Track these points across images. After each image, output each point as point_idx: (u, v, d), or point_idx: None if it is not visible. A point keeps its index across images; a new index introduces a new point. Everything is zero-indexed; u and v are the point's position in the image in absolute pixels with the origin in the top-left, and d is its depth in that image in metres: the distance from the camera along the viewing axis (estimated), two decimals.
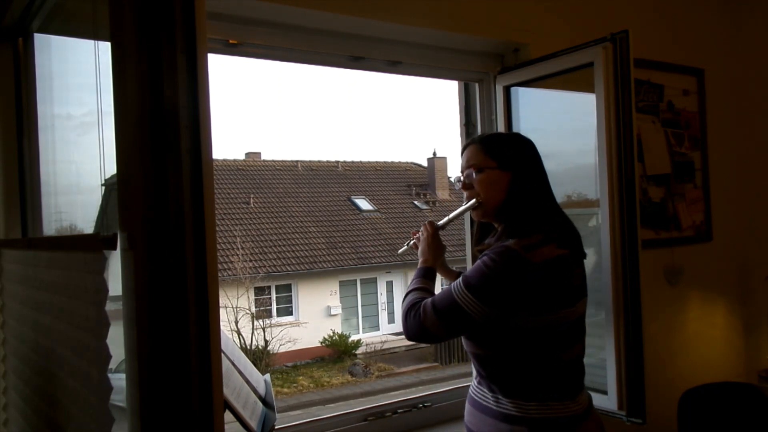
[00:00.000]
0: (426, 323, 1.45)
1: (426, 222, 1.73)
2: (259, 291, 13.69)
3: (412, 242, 1.80)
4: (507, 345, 1.47)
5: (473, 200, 1.57)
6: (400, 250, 1.96)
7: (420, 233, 1.73)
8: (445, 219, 1.75)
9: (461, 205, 1.65)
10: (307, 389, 12.26)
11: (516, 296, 1.42)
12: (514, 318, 1.43)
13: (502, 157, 1.54)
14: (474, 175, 1.56)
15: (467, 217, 2.11)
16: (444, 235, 1.76)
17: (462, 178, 1.60)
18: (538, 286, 1.42)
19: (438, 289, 1.59)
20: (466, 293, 1.42)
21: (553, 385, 1.48)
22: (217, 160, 15.62)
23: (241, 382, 1.42)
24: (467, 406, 1.62)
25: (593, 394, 1.99)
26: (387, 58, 2.22)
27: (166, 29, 0.86)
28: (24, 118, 1.64)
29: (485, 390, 1.54)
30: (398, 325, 15.01)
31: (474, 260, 1.64)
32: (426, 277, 1.62)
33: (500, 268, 1.40)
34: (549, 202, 1.58)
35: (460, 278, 1.46)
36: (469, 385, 2.38)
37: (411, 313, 1.49)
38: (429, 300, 1.49)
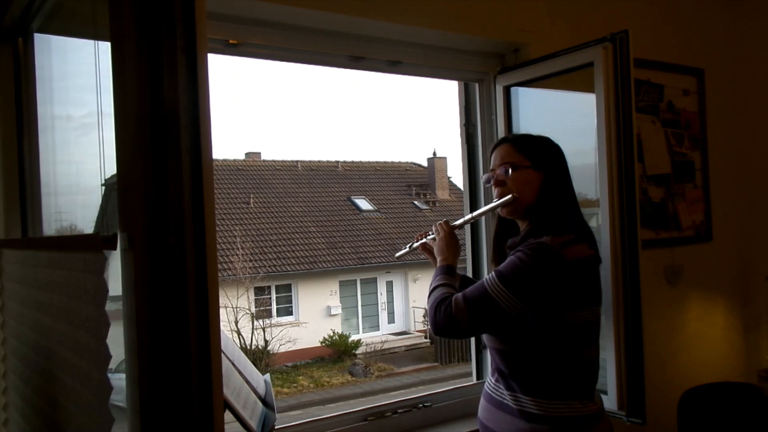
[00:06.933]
0: (457, 316, 1.44)
1: (441, 222, 1.72)
2: (259, 291, 13.69)
3: (417, 244, 1.78)
4: (534, 341, 1.48)
5: (509, 196, 1.57)
6: (399, 253, 1.90)
7: (434, 232, 1.72)
8: (468, 217, 1.74)
9: (481, 206, 1.63)
10: (307, 389, 12.27)
11: (549, 292, 1.43)
12: (545, 314, 1.45)
13: (536, 157, 1.58)
14: (509, 172, 1.57)
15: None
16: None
17: (494, 175, 1.61)
18: (571, 283, 1.44)
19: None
20: (500, 286, 1.42)
21: (575, 383, 1.49)
22: (217, 160, 15.62)
23: (241, 382, 1.42)
24: (482, 401, 1.63)
25: None
26: (387, 58, 2.22)
27: (166, 29, 0.86)
28: (24, 119, 1.63)
29: (502, 387, 1.54)
30: (398, 325, 15.00)
31: (499, 260, 1.64)
32: (449, 274, 1.61)
33: (535, 263, 1.42)
34: (575, 204, 1.61)
35: (493, 272, 1.47)
36: (468, 385, 2.40)
37: (441, 307, 1.47)
38: (459, 294, 1.48)
